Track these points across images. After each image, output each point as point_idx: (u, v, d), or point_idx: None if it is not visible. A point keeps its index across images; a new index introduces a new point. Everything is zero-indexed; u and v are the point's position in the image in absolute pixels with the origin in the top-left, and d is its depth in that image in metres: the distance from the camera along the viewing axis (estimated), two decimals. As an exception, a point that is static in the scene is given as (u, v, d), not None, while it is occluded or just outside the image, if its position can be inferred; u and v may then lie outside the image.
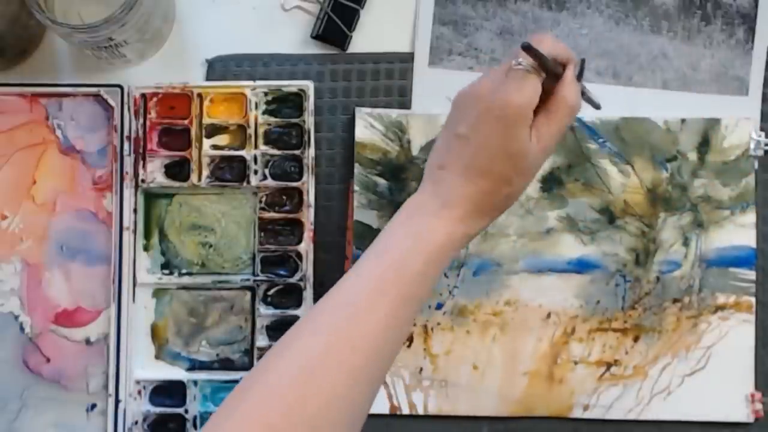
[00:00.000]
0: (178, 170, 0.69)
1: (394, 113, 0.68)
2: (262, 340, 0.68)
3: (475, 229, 0.54)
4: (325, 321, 0.51)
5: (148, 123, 0.68)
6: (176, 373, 0.68)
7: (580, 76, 0.56)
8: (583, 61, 0.57)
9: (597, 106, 0.60)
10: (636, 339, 0.68)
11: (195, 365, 0.69)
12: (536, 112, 0.53)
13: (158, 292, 0.69)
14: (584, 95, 0.58)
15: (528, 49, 0.51)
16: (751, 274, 0.68)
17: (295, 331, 0.51)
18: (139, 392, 0.68)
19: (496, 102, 0.52)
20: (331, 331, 0.50)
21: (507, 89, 0.52)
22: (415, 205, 0.54)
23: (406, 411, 0.68)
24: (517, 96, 0.51)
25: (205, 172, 0.69)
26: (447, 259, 0.53)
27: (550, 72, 0.53)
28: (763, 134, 0.68)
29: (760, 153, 0.68)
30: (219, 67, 0.69)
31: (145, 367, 0.68)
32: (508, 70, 0.52)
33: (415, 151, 0.68)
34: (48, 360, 0.68)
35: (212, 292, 0.69)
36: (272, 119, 0.69)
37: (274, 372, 0.49)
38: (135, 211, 0.68)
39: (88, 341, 0.68)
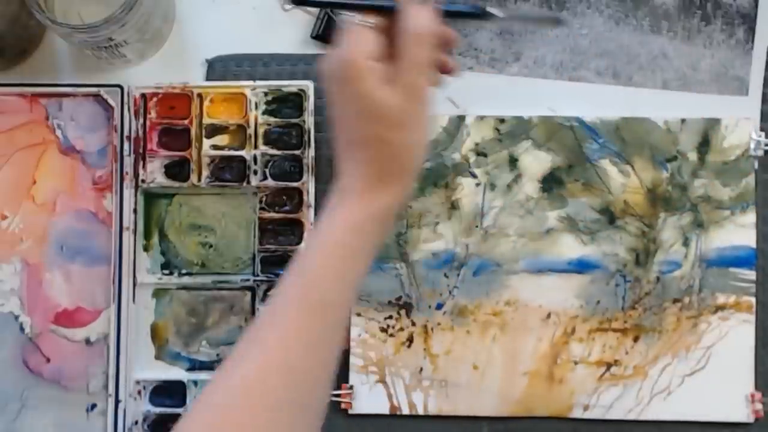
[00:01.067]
0: (178, 170, 0.69)
1: (394, 113, 0.68)
2: (262, 340, 0.68)
3: (382, 203, 0.49)
4: (244, 347, 0.48)
5: (148, 123, 0.68)
6: (176, 373, 0.68)
7: None
8: None
9: (484, 15, 0.53)
10: (636, 339, 0.68)
11: (195, 365, 0.69)
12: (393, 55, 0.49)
13: (158, 292, 0.69)
14: (451, 14, 0.51)
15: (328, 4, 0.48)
16: (751, 274, 0.68)
17: (232, 354, 0.49)
18: (139, 392, 0.68)
19: (332, 66, 0.49)
20: (245, 355, 0.47)
21: (339, 51, 0.48)
22: (327, 205, 0.51)
23: (406, 411, 0.68)
24: (345, 51, 0.48)
25: (205, 172, 0.69)
26: (361, 249, 0.49)
27: (379, 10, 0.49)
28: (763, 134, 0.68)
29: (760, 153, 0.68)
30: (219, 67, 0.69)
31: (145, 367, 0.68)
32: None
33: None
34: (48, 360, 0.68)
35: (212, 292, 0.69)
36: (272, 119, 0.69)
37: (204, 407, 0.47)
38: (135, 211, 0.68)
39: (88, 341, 0.68)
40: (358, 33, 0.48)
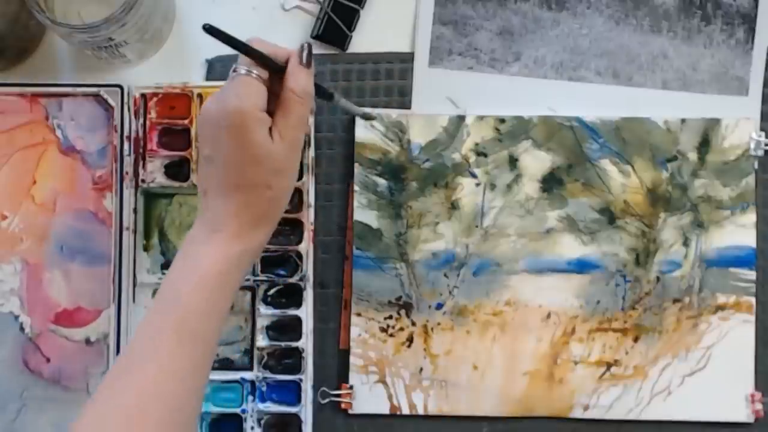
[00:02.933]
0: (178, 170, 0.69)
1: (394, 113, 0.68)
2: (262, 340, 0.68)
3: (253, 243, 0.53)
4: (119, 376, 0.50)
5: (148, 123, 0.68)
6: (176, 373, 0.68)
7: (309, 62, 0.55)
8: (309, 46, 0.55)
9: (329, 96, 0.60)
10: (636, 339, 0.68)
11: (195, 365, 0.69)
12: (276, 109, 0.53)
13: (158, 292, 0.69)
14: (333, 97, 0.59)
15: (211, 32, 0.52)
16: (751, 274, 0.68)
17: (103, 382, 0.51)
18: (139, 392, 0.68)
19: (221, 114, 0.51)
20: (122, 385, 0.50)
21: (228, 98, 0.51)
22: (188, 238, 0.53)
23: (406, 411, 0.68)
24: (238, 101, 0.51)
25: (205, 172, 0.69)
26: (229, 284, 0.52)
27: (271, 67, 0.53)
28: (763, 134, 0.68)
29: (760, 153, 0.68)
30: (219, 67, 0.69)
31: (145, 367, 0.68)
32: (228, 80, 0.53)
33: (415, 151, 0.68)
34: (48, 360, 0.68)
35: (212, 292, 0.69)
36: (272, 119, 0.69)
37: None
38: (135, 211, 0.68)
39: (88, 341, 0.68)
40: (250, 84, 0.52)
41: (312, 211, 0.68)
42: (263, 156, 0.52)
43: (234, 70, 0.53)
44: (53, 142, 0.69)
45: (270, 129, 0.53)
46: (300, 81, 0.53)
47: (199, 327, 0.51)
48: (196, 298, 0.51)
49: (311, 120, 0.68)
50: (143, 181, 0.68)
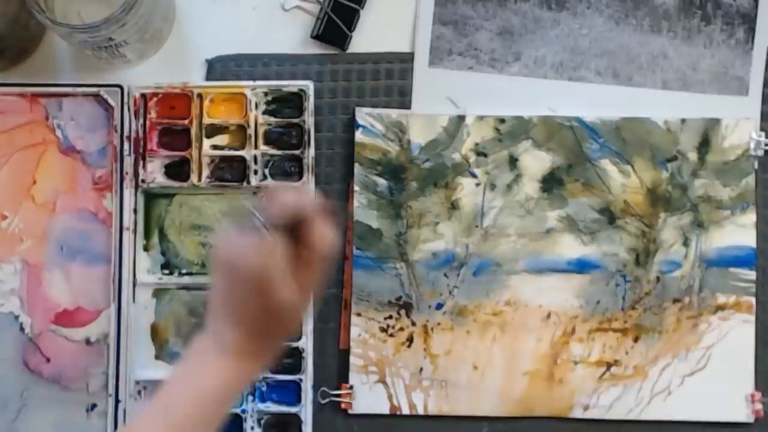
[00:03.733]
0: (178, 170, 0.69)
1: (394, 113, 0.68)
2: (262, 340, 0.68)
3: (253, 373, 0.54)
4: None
5: (148, 123, 0.68)
6: (176, 373, 0.68)
7: (332, 218, 0.54)
8: (335, 204, 0.57)
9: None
10: (636, 339, 0.68)
11: (195, 365, 0.69)
12: (299, 262, 0.52)
13: (158, 292, 0.69)
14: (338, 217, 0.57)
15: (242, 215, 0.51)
16: (751, 274, 0.68)
17: None
18: (139, 392, 0.68)
19: (243, 270, 0.51)
20: None
21: (247, 253, 0.50)
22: (195, 349, 0.53)
23: (406, 411, 0.68)
24: (258, 260, 0.50)
25: (205, 172, 0.69)
26: (224, 404, 0.53)
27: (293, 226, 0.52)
28: (763, 134, 0.68)
29: (760, 153, 0.68)
30: (219, 67, 0.69)
31: (145, 367, 0.68)
32: (251, 228, 0.51)
33: (415, 151, 0.68)
34: (48, 360, 0.68)
35: (212, 292, 0.69)
36: (272, 119, 0.69)
37: None
38: (135, 211, 0.68)
39: (88, 341, 0.68)
40: (273, 243, 0.50)
41: (312, 211, 0.68)
42: (281, 310, 0.51)
43: (254, 226, 0.51)
44: (53, 142, 0.69)
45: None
46: (327, 240, 0.52)
47: None
48: (193, 414, 0.52)
49: (311, 120, 0.68)
50: (143, 181, 0.68)
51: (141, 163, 0.68)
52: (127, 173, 0.68)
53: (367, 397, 0.68)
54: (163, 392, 0.53)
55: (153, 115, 0.69)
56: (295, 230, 0.52)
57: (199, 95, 0.68)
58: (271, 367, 0.67)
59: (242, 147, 0.68)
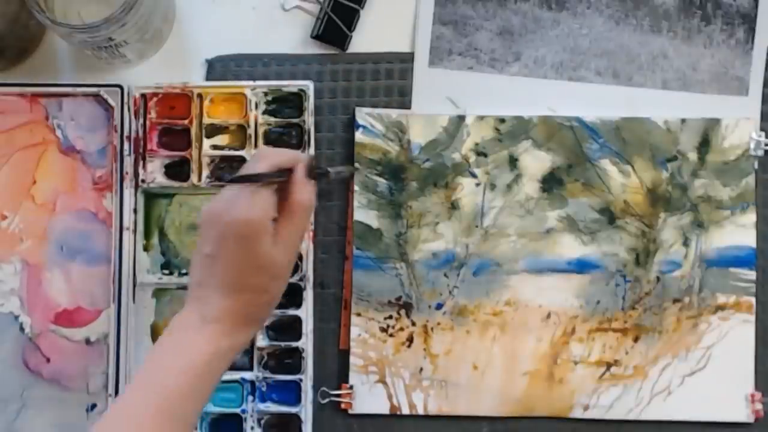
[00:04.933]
0: (178, 170, 0.69)
1: (394, 113, 0.68)
2: (261, 340, 0.68)
3: (241, 340, 0.55)
4: None
5: (148, 123, 0.68)
6: (176, 373, 0.68)
7: (311, 173, 0.56)
8: (314, 158, 0.59)
9: (351, 171, 0.66)
10: (636, 339, 0.68)
11: (195, 365, 0.69)
12: (280, 217, 0.54)
13: (158, 292, 0.69)
14: (328, 174, 0.60)
15: (238, 180, 0.53)
16: (751, 274, 0.68)
17: None
18: (139, 392, 0.68)
19: (230, 221, 0.52)
20: None
21: (239, 206, 0.53)
22: (179, 322, 0.54)
23: (406, 411, 0.68)
24: (249, 212, 0.52)
25: (205, 172, 0.69)
26: (215, 373, 0.53)
27: (277, 181, 0.54)
28: (763, 134, 0.68)
29: (760, 153, 0.68)
30: (219, 67, 0.69)
31: (145, 367, 0.68)
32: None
33: (415, 151, 0.68)
34: (48, 360, 0.68)
35: (212, 292, 0.69)
36: (272, 119, 0.69)
37: None
38: (135, 211, 0.68)
39: (88, 341, 0.68)
40: (260, 194, 0.53)
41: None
42: (267, 264, 0.53)
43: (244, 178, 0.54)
44: (53, 142, 0.69)
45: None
46: (306, 194, 0.55)
47: (180, 412, 0.52)
48: (184, 387, 0.52)
49: (311, 120, 0.68)
50: (143, 181, 0.68)
51: (141, 163, 0.68)
52: (127, 173, 0.68)
53: (367, 397, 0.68)
54: (149, 370, 0.53)
55: (153, 115, 0.69)
56: (280, 186, 0.54)
57: (199, 95, 0.68)
58: (270, 367, 0.67)
59: (242, 147, 0.68)
